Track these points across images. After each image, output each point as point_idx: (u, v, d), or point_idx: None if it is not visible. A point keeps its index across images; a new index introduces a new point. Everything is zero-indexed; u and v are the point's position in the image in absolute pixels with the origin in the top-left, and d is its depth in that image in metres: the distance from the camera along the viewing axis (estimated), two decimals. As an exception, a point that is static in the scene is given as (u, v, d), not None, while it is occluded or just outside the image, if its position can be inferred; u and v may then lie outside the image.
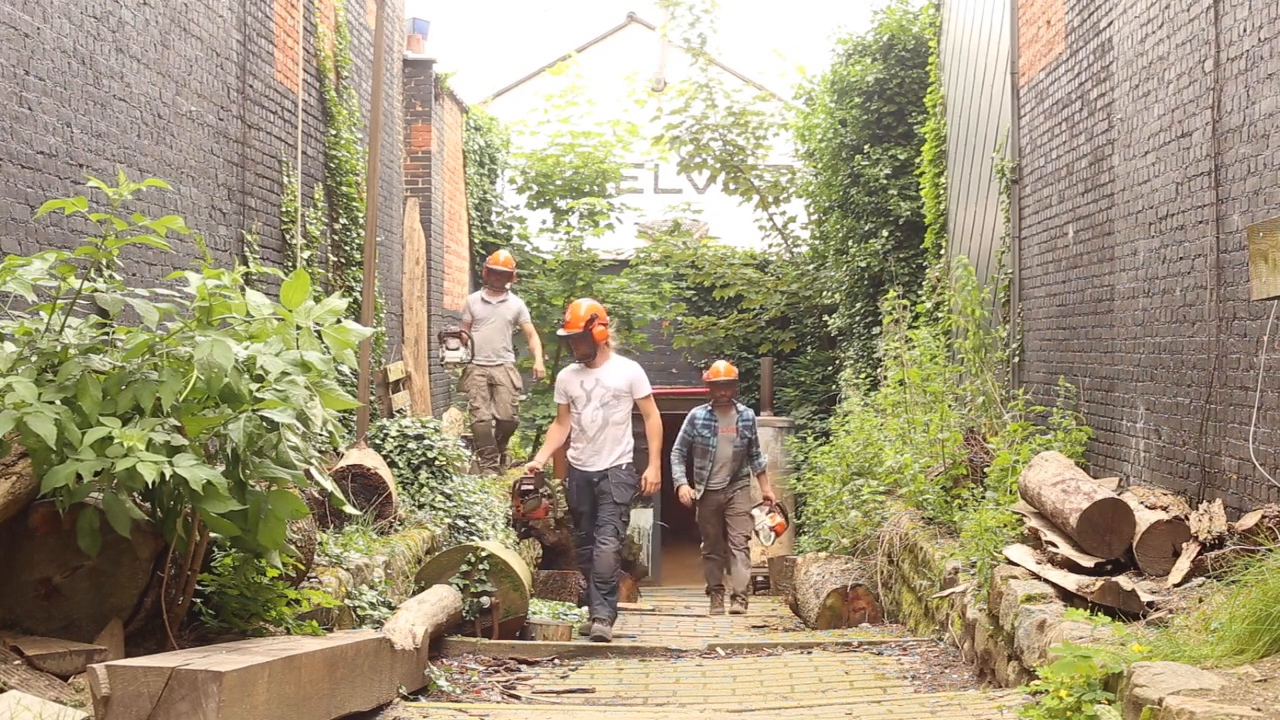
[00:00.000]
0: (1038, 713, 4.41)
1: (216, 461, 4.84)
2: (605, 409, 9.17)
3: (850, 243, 14.86)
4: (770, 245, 17.95)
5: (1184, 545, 5.86)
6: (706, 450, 11.73)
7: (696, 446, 11.78)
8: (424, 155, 14.02)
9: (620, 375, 9.29)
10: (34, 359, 4.71)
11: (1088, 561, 6.00)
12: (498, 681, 6.82)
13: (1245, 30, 5.93)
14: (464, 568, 8.28)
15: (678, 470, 11.75)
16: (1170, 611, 5.28)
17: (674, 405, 20.10)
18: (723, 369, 11.95)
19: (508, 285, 12.86)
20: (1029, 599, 5.80)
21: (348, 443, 8.83)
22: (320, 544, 6.80)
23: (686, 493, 11.67)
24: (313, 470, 5.24)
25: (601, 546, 8.89)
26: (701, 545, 12.11)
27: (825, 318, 16.45)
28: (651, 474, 9.47)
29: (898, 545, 9.43)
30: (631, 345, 16.65)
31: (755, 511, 11.62)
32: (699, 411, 11.95)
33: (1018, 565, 6.35)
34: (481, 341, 12.52)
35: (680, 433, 11.81)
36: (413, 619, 6.59)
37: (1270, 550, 4.84)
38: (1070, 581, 5.77)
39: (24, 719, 3.78)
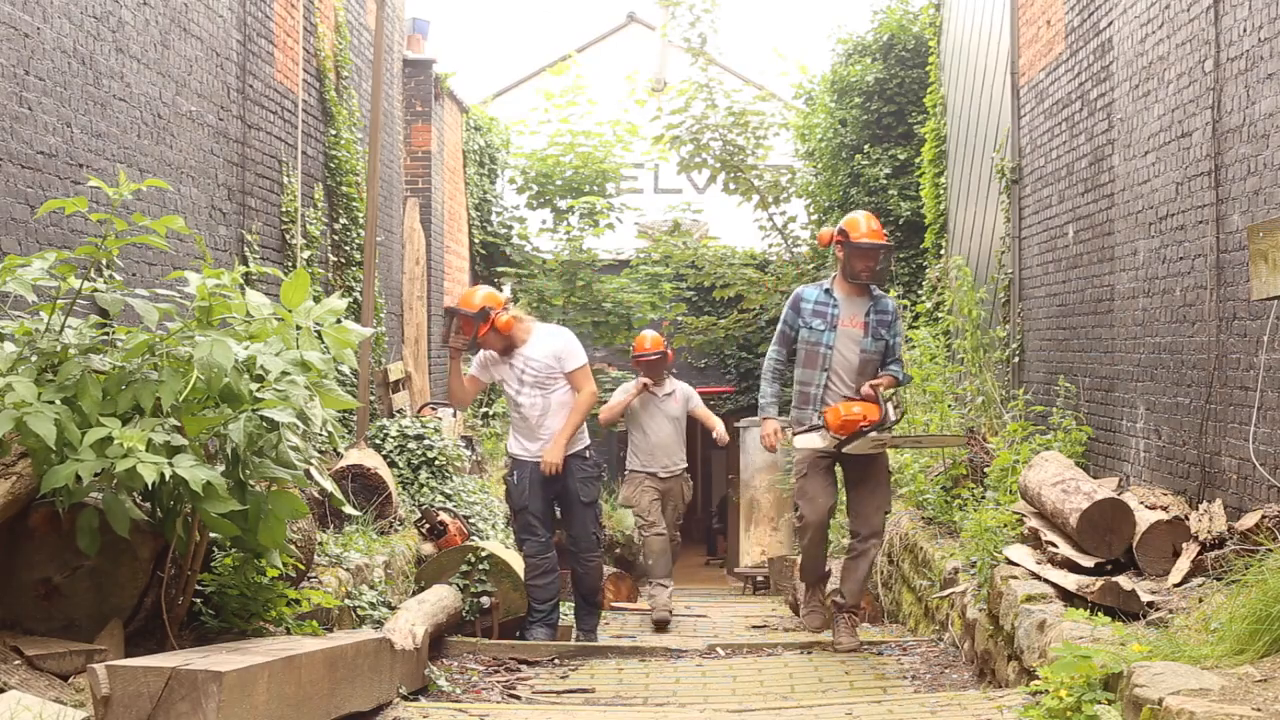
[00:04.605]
0: (1038, 713, 4.41)
1: (216, 461, 4.84)
2: (543, 393, 7.91)
3: (850, 243, 14.83)
4: (770, 245, 17.94)
5: (1184, 545, 5.86)
6: (815, 354, 7.24)
7: (800, 348, 7.33)
8: (424, 155, 14.03)
9: (546, 347, 7.93)
10: (34, 359, 4.70)
11: (1088, 561, 6.00)
12: (498, 681, 6.81)
13: (1245, 30, 5.93)
14: (464, 568, 8.27)
15: (767, 392, 7.50)
16: (1170, 611, 5.28)
17: (674, 405, 20.05)
18: (863, 224, 7.29)
19: (666, 370, 10.60)
20: (1029, 599, 5.80)
21: (348, 443, 8.82)
22: (320, 544, 6.80)
23: (772, 429, 7.41)
24: (313, 470, 5.24)
25: (590, 564, 8.57)
26: (796, 517, 7.55)
27: (825, 318, 16.42)
28: (551, 454, 7.80)
29: (898, 545, 9.43)
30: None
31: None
32: (808, 290, 7.41)
33: (1018, 565, 6.35)
34: (653, 447, 10.49)
35: (780, 326, 7.44)
36: (413, 619, 6.59)
37: (1270, 550, 4.84)
38: (1070, 581, 5.77)
39: (24, 719, 3.78)
